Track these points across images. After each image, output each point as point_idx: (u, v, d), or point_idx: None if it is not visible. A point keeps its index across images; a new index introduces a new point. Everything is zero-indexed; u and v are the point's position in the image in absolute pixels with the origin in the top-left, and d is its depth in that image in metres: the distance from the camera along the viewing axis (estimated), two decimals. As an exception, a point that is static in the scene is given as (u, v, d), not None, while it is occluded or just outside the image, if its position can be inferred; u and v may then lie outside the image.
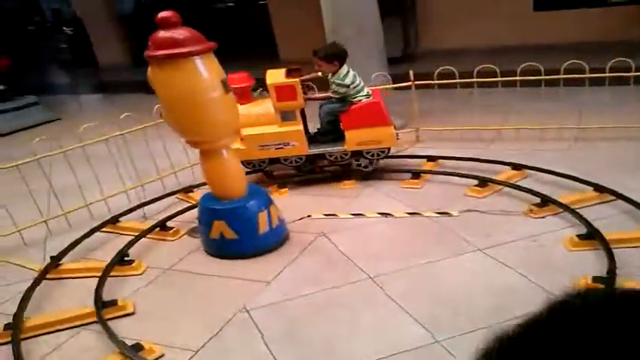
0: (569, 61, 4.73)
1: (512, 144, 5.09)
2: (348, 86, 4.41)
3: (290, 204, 4.34)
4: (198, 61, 3.17)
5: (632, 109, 4.89)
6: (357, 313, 2.88)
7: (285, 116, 4.44)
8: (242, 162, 4.31)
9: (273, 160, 4.64)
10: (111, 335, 2.75)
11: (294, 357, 2.61)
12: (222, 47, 3.46)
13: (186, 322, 2.98)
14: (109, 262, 3.52)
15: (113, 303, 3.09)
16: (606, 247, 3.06)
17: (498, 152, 4.88)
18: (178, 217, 4.20)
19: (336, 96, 4.48)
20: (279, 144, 4.49)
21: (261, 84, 4.61)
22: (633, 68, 4.58)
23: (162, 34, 3.09)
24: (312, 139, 4.64)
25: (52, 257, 3.62)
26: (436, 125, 5.50)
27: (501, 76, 5.02)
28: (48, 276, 3.49)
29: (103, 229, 4.15)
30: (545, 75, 4.86)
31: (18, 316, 3.00)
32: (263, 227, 3.57)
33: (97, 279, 3.32)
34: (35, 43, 15.48)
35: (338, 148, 4.56)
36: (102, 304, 3.05)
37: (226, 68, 3.40)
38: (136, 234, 3.95)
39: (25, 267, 3.74)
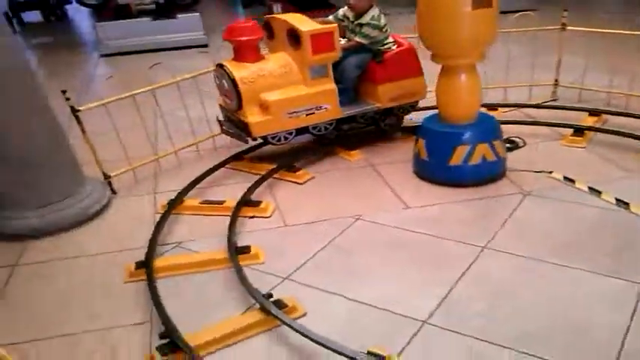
0: None
1: None
2: (381, 29, 3.63)
3: (562, 154, 3.72)
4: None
5: None
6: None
7: (315, 72, 3.55)
8: (263, 137, 3.60)
9: (301, 130, 3.66)
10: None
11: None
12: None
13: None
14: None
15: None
16: None
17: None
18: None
19: (366, 41, 3.66)
20: (311, 109, 3.58)
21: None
22: None
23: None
24: None
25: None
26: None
27: None
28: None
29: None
30: None
31: (180, 194, 3.36)
32: (456, 160, 3.25)
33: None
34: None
35: (371, 107, 3.75)
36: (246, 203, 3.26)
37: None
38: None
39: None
